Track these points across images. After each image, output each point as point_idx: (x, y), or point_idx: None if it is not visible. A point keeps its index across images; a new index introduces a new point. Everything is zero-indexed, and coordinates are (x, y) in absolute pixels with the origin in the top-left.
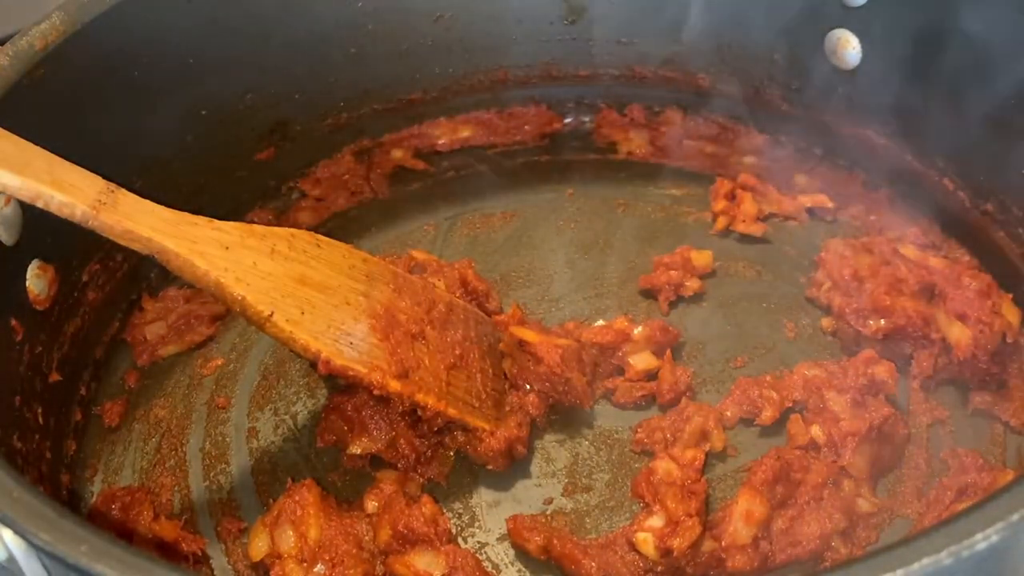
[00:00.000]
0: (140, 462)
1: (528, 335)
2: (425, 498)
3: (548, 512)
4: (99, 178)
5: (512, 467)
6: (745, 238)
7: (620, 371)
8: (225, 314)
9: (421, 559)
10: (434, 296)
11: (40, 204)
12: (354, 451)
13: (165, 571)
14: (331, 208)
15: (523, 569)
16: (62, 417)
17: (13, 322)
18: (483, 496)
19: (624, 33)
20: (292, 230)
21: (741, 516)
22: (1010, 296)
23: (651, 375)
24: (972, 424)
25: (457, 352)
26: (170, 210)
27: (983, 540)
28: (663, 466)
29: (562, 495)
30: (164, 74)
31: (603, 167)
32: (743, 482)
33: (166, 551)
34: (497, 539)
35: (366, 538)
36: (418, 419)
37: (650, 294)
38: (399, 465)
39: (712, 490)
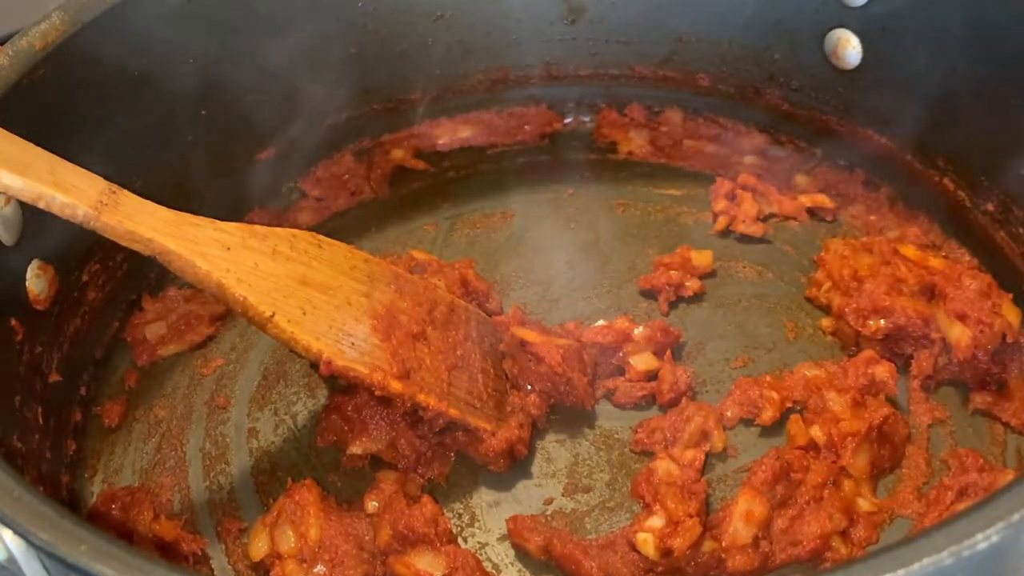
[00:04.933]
0: (140, 462)
1: (529, 335)
2: (425, 498)
3: (548, 512)
4: (100, 179)
5: (512, 467)
6: (745, 238)
7: (620, 371)
8: (225, 314)
9: (421, 559)
10: (435, 297)
11: (42, 205)
12: (354, 451)
13: (165, 571)
14: (331, 208)
15: (523, 569)
16: (62, 417)
17: (13, 322)
18: (483, 496)
19: (624, 33)
20: (293, 231)
21: (741, 516)
22: (1010, 296)
23: (651, 375)
24: (972, 424)
25: (458, 352)
26: (171, 211)
27: (984, 540)
28: (663, 466)
29: (562, 495)
30: (164, 74)
31: (603, 167)
32: (743, 482)
33: (166, 551)
34: (497, 539)
35: (366, 538)
36: (419, 419)
37: (650, 294)
38: (399, 465)
39: (712, 490)
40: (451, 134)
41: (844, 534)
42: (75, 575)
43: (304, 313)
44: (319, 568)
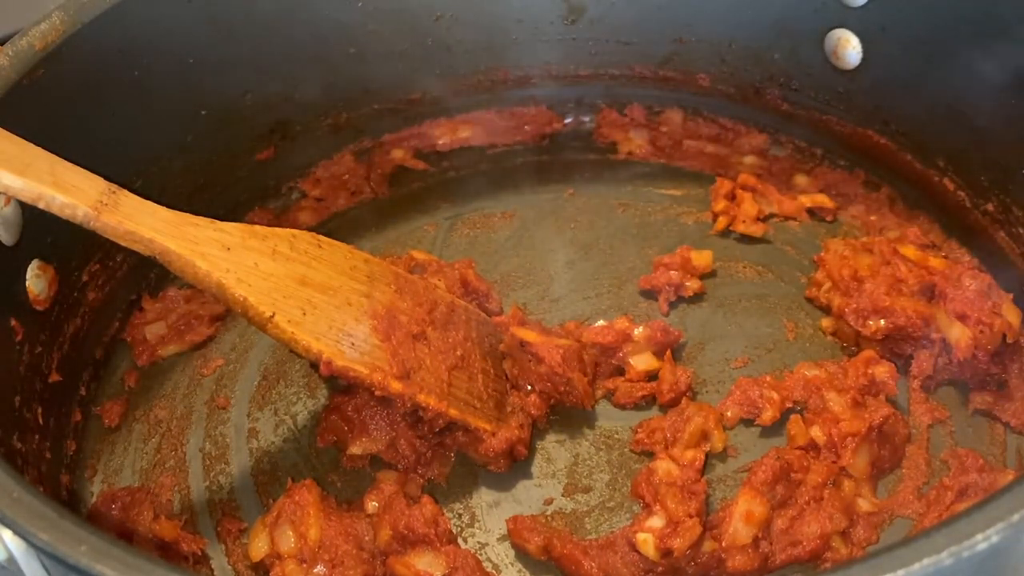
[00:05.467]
0: (140, 462)
1: (529, 335)
2: (425, 498)
3: (548, 512)
4: (100, 179)
5: (512, 467)
6: (745, 238)
7: (620, 371)
8: (225, 314)
9: (421, 559)
10: (435, 297)
11: (42, 205)
12: (354, 451)
13: (165, 571)
14: (331, 208)
15: (523, 569)
16: (62, 417)
17: (13, 322)
18: (483, 496)
19: (624, 33)
20: (293, 231)
21: (741, 516)
22: (1010, 296)
23: (652, 375)
24: (972, 424)
25: (458, 353)
26: (172, 211)
27: (983, 541)
28: (663, 466)
29: (562, 495)
30: (164, 74)
31: (603, 167)
32: (743, 482)
33: (166, 551)
34: (497, 539)
35: (366, 538)
36: (419, 420)
37: (650, 294)
38: (399, 465)
39: (712, 490)
40: (451, 134)
41: (844, 534)
42: (75, 575)
43: (304, 313)
44: (319, 568)
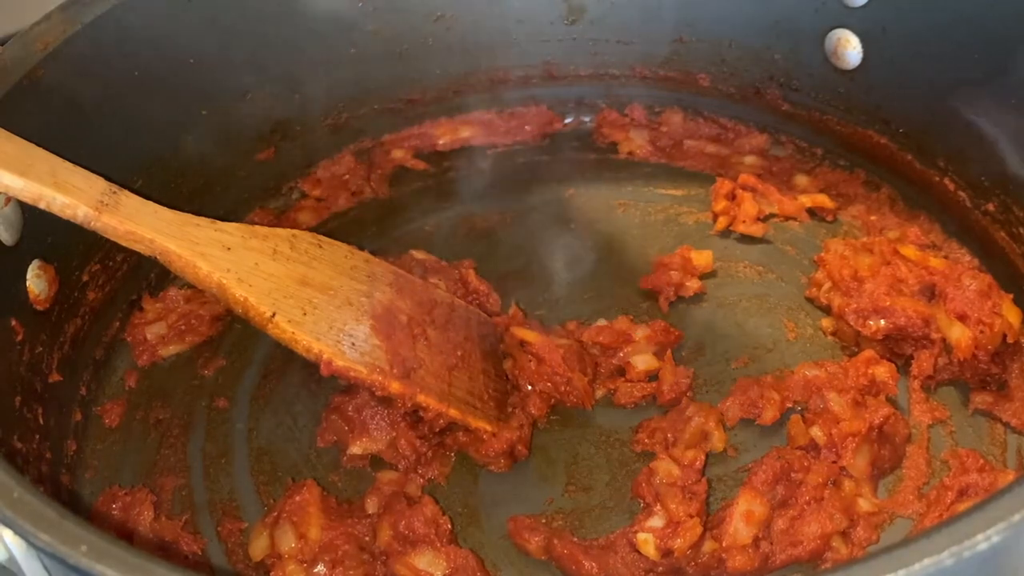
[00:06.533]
0: (140, 462)
1: (529, 335)
2: (425, 498)
3: (548, 512)
4: (101, 179)
5: (513, 467)
6: (745, 238)
7: (621, 371)
8: (225, 314)
9: (422, 559)
10: (435, 297)
11: (42, 205)
12: (354, 451)
13: (165, 571)
14: (331, 208)
15: (523, 569)
16: (62, 417)
17: (13, 322)
18: (483, 496)
19: (624, 33)
20: (294, 231)
21: (741, 516)
22: (1010, 296)
23: (652, 375)
24: (973, 424)
25: (459, 353)
26: (172, 211)
27: (984, 541)
28: (663, 466)
29: (562, 495)
30: (164, 74)
31: (603, 167)
32: (743, 482)
33: (166, 551)
34: (497, 539)
35: (366, 539)
36: (419, 420)
37: (650, 294)
38: (399, 465)
39: (712, 490)
40: (451, 134)
41: (844, 534)
42: (75, 575)
43: (305, 313)
44: (319, 568)
